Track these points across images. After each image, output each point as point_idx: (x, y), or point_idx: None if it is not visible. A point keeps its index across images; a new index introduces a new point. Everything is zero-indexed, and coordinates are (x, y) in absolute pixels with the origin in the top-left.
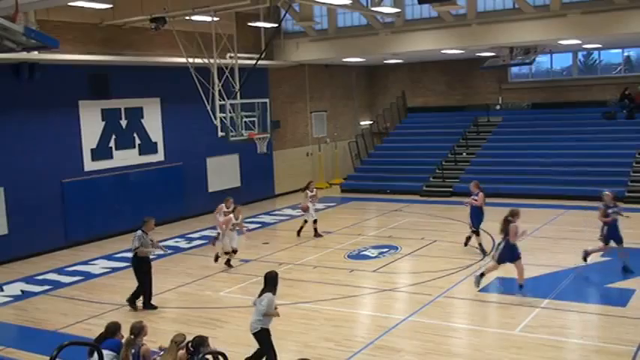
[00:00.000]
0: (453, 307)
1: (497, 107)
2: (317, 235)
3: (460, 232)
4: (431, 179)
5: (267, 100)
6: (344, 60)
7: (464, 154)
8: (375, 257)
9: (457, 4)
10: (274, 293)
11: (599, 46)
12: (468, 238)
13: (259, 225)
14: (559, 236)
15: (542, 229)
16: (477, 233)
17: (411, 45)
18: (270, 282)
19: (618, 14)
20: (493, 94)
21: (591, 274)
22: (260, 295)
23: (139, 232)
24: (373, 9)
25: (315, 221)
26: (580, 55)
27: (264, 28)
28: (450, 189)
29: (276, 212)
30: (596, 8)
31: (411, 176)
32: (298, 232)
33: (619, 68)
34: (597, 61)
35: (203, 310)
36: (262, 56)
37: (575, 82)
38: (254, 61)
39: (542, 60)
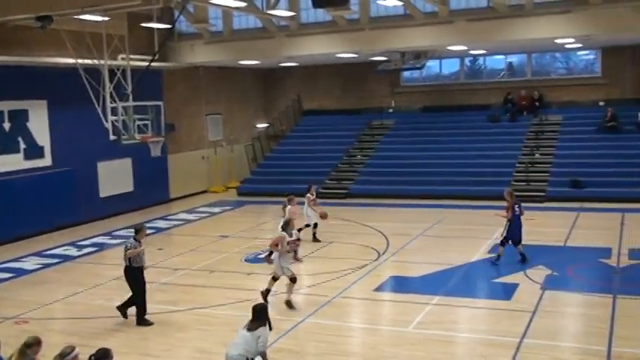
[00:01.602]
0: (349, 307)
1: (390, 110)
2: (315, 239)
3: (356, 232)
4: (326, 181)
5: (160, 103)
6: (239, 63)
7: (358, 156)
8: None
9: (351, 9)
10: (270, 328)
11: (484, 52)
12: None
13: (154, 230)
14: (449, 235)
15: (433, 227)
16: (503, 244)
17: (306, 49)
18: (262, 315)
19: (501, 22)
20: (386, 98)
21: (478, 270)
22: (250, 329)
23: (132, 240)
24: (268, 12)
25: (315, 225)
26: (467, 60)
27: (158, 29)
28: (346, 191)
29: (172, 217)
30: (481, 16)
31: (307, 178)
32: (314, 237)
33: (502, 73)
34: (482, 67)
35: (94, 321)
36: (155, 58)
37: (462, 86)
38: (147, 63)
39: (432, 65)
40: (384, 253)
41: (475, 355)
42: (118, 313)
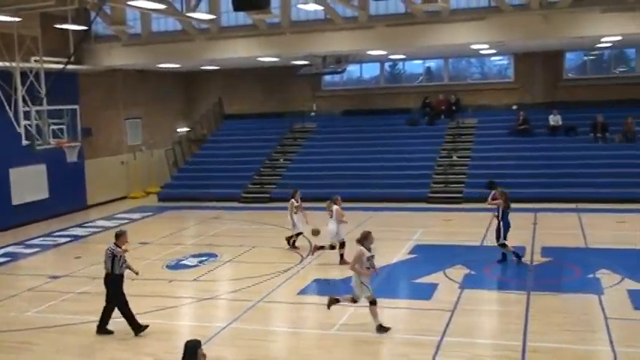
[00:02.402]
0: (272, 311)
1: (312, 114)
2: (294, 247)
3: (279, 236)
4: (249, 186)
5: (76, 107)
6: (159, 66)
7: (281, 160)
8: (195, 266)
9: (271, 12)
10: None
11: (403, 57)
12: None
13: (70, 238)
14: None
15: (356, 230)
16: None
17: (227, 52)
18: (191, 353)
19: (419, 28)
20: (308, 102)
21: (400, 271)
22: None
23: (112, 246)
24: (188, 15)
25: (298, 234)
26: (386, 65)
27: (73, 30)
28: (268, 195)
29: (90, 224)
30: (400, 22)
31: (230, 183)
32: (293, 244)
33: (421, 78)
34: (402, 71)
35: (8, 334)
36: (71, 60)
37: (382, 90)
38: (62, 66)
39: (353, 69)
40: (307, 257)
41: (397, 355)
42: (35, 325)
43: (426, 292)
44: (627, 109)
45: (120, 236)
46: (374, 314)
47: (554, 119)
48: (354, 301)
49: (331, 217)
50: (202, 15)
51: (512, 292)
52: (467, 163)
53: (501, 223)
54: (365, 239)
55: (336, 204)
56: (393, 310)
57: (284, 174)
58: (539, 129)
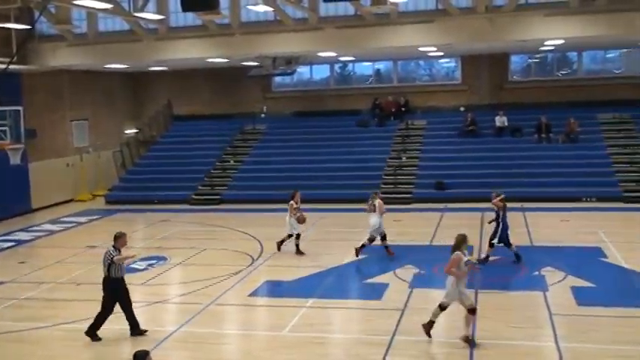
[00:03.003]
0: (223, 314)
1: (263, 115)
2: (299, 252)
3: (230, 238)
4: (199, 188)
5: (20, 108)
6: (106, 66)
7: (231, 161)
8: (144, 269)
9: (221, 13)
10: None
11: (353, 58)
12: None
13: (14, 243)
14: (322, 238)
15: (307, 231)
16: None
17: (176, 53)
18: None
19: (368, 30)
20: (258, 103)
21: (351, 272)
22: None
23: (111, 248)
24: (136, 14)
25: (298, 236)
26: (336, 66)
27: (15, 29)
28: (219, 197)
29: (35, 228)
30: (350, 24)
31: (179, 185)
32: (297, 250)
33: (370, 80)
34: (352, 73)
35: None
36: (13, 60)
37: (332, 91)
38: (4, 66)
39: (303, 70)
40: (258, 258)
41: (349, 355)
42: None
43: (377, 292)
44: (570, 110)
45: (119, 238)
46: (468, 323)
47: (501, 120)
48: (444, 308)
49: (373, 210)
50: (150, 15)
51: None
52: (416, 163)
53: (501, 225)
54: (462, 243)
55: (377, 198)
56: (345, 311)
57: (235, 175)
58: (486, 130)
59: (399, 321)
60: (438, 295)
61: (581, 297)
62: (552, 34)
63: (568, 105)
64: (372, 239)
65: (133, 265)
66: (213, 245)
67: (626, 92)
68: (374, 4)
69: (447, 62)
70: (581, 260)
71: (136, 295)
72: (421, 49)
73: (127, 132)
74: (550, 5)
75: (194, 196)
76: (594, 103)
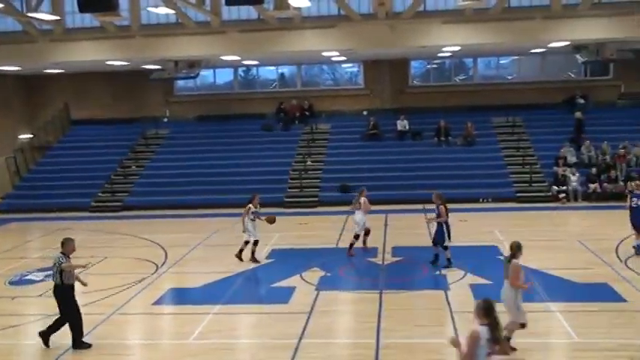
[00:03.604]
0: (127, 323)
1: (165, 120)
2: (254, 260)
3: (132, 246)
4: (100, 194)
5: None
6: None
7: (133, 167)
8: (41, 280)
9: (120, 15)
10: None
11: (257, 62)
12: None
13: None
14: (228, 243)
15: (212, 237)
16: (445, 248)
17: (73, 55)
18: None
19: (271, 34)
20: (160, 107)
21: (257, 277)
22: None
23: (59, 254)
24: (29, 14)
25: (255, 242)
26: (240, 70)
27: None
28: (121, 203)
29: None
30: (253, 27)
31: (78, 192)
32: (239, 255)
33: (274, 84)
34: (256, 77)
35: None
36: None
37: (236, 96)
38: None
39: (207, 74)
40: (162, 266)
41: None
42: None
43: (284, 295)
44: (467, 114)
45: (66, 244)
46: (512, 329)
47: (402, 124)
48: (523, 325)
49: (359, 208)
50: (44, 15)
51: (366, 291)
52: (321, 167)
53: (444, 227)
54: (519, 250)
55: (362, 195)
56: (252, 316)
57: (137, 181)
58: (388, 134)
59: (305, 324)
60: (344, 297)
61: (480, 294)
62: (449, 40)
63: (465, 109)
64: (357, 236)
65: (29, 277)
66: (116, 253)
67: (518, 97)
68: (277, 8)
69: (350, 67)
70: (479, 259)
71: (33, 307)
72: (324, 53)
73: (20, 137)
74: (447, 13)
75: (94, 203)
76: (489, 108)
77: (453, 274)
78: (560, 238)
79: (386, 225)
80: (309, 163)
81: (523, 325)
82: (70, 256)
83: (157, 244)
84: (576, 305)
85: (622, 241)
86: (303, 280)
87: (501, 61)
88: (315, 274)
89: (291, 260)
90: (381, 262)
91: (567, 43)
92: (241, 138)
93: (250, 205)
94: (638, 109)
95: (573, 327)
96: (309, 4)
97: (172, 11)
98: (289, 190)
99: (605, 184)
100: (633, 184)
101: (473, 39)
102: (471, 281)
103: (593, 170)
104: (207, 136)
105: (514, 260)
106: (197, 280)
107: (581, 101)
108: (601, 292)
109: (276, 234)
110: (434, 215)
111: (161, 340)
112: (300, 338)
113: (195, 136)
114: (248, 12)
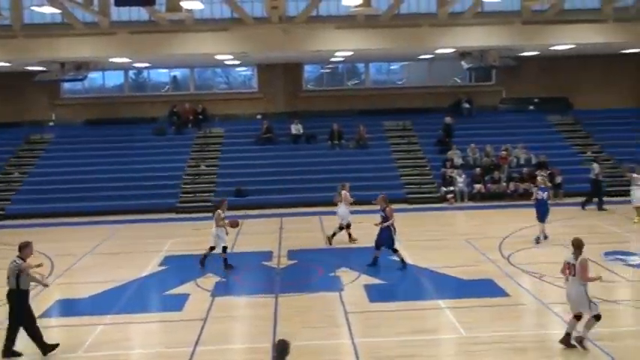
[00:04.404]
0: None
1: (51, 124)
2: (227, 266)
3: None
4: None
5: None
6: None
7: (16, 173)
8: None
9: (1, 14)
10: None
11: (148, 65)
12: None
13: None
14: (119, 251)
15: (102, 245)
16: (395, 250)
17: None
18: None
19: (163, 36)
20: (46, 110)
21: (150, 284)
22: None
23: (16, 259)
24: None
25: (224, 249)
26: (131, 73)
27: None
28: (2, 212)
29: None
30: (144, 29)
31: None
32: (202, 262)
33: (167, 87)
34: (147, 80)
35: None
36: None
37: (127, 99)
38: None
39: (95, 76)
40: (48, 276)
41: None
42: None
43: (178, 303)
44: (359, 118)
45: (24, 248)
46: (588, 327)
47: (296, 128)
48: (598, 317)
49: (341, 201)
50: None
51: (261, 296)
52: (215, 172)
53: (392, 229)
54: (583, 246)
55: (344, 189)
56: (145, 325)
57: (20, 189)
58: (282, 137)
59: (200, 331)
60: (239, 302)
61: (373, 294)
62: (342, 45)
63: (357, 113)
64: (341, 227)
65: None
66: None
67: (408, 101)
68: (169, 10)
69: (243, 70)
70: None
71: None
72: (217, 57)
73: None
74: (340, 19)
75: None
76: (380, 112)
77: (347, 275)
78: (448, 238)
79: (281, 228)
80: (202, 167)
81: (598, 317)
82: (27, 260)
83: (42, 253)
84: (464, 301)
85: (504, 238)
86: (198, 286)
87: (392, 67)
88: (210, 280)
89: (186, 267)
90: (276, 266)
91: (453, 49)
92: (132, 142)
93: (219, 211)
94: (518, 114)
95: (461, 322)
96: (201, 6)
97: (58, 11)
98: (182, 195)
99: (489, 185)
100: (539, 179)
101: (364, 44)
102: (365, 281)
103: (478, 171)
104: (95, 141)
105: (581, 257)
106: (87, 290)
107: (467, 105)
108: (486, 288)
109: (169, 240)
110: (381, 220)
111: (49, 354)
112: (196, 345)
113: (83, 141)
114: (139, 13)
